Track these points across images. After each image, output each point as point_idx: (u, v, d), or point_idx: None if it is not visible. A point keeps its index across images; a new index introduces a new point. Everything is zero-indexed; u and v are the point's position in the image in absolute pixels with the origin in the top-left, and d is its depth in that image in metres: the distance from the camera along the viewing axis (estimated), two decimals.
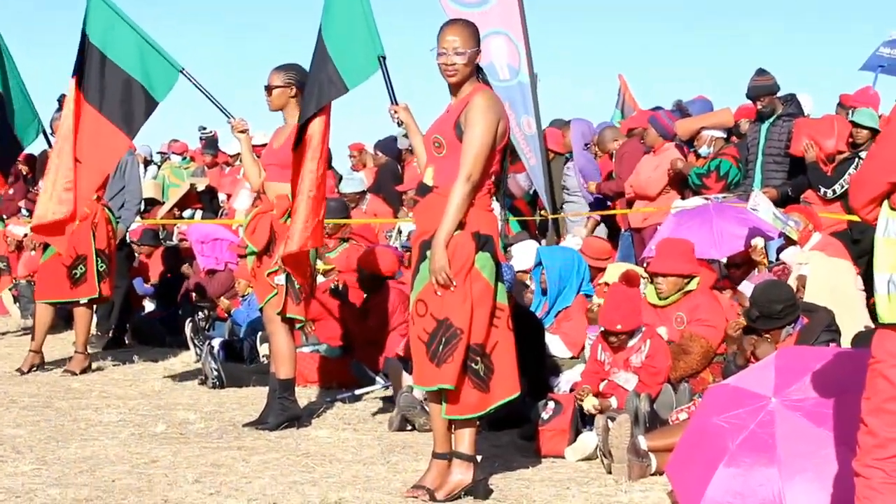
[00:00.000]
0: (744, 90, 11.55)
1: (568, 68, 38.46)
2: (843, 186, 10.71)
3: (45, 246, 11.57)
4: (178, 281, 14.83)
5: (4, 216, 17.05)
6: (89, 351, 11.72)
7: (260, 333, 11.60)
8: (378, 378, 10.37)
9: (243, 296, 13.44)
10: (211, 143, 21.09)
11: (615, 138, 12.77)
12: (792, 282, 8.58)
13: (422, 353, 6.66)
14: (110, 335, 13.51)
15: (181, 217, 18.84)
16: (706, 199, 11.33)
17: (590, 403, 8.15)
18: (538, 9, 12.46)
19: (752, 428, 6.25)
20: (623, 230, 12.68)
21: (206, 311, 13.42)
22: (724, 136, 11.72)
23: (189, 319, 12.40)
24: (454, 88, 6.76)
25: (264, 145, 20.43)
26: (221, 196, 19.64)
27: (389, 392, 9.89)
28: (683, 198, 11.67)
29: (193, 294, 14.05)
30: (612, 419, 7.74)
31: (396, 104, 7.47)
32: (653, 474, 7.26)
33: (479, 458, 6.91)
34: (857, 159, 10.82)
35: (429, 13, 12.08)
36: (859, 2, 44.50)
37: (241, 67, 43.36)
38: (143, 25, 9.97)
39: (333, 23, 8.17)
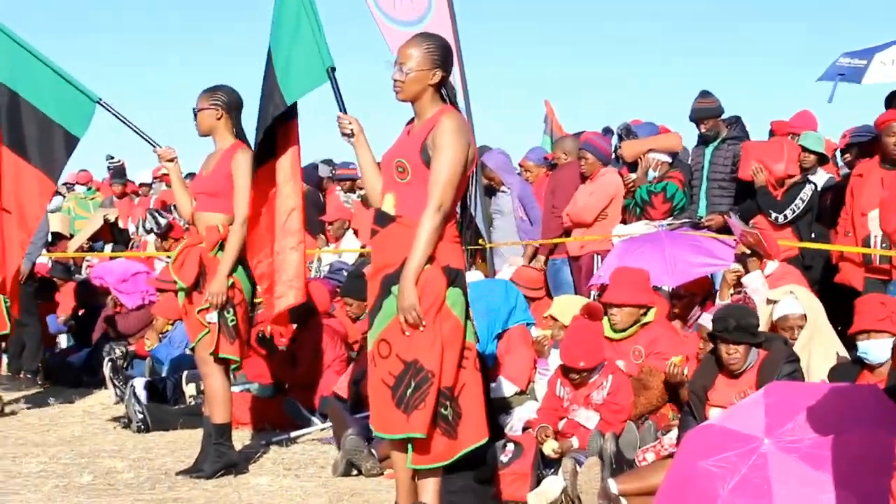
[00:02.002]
0: (681, 114, 11.12)
1: (495, 95, 37.83)
2: (794, 211, 10.31)
3: None
4: (91, 317, 14.11)
5: None
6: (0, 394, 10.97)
7: (186, 372, 10.97)
8: (314, 418, 9.78)
9: (162, 332, 12.79)
10: (119, 172, 20.32)
11: (568, 152, 12.13)
12: (763, 317, 8.10)
13: (386, 398, 6.07)
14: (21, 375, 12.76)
15: (91, 249, 18.08)
16: (649, 224, 10.89)
17: (550, 448, 7.65)
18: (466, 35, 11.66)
19: (744, 472, 5.75)
20: (548, 257, 12.10)
21: (123, 349, 12.70)
22: (670, 160, 11.26)
23: (108, 358, 11.72)
24: (416, 108, 6.21)
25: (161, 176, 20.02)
26: (131, 227, 18.91)
27: (327, 434, 9.32)
28: (625, 223, 11.19)
29: (109, 331, 13.32)
30: (579, 462, 7.28)
31: (346, 114, 6.80)
32: None
33: None
34: (807, 183, 10.45)
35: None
36: (799, 29, 44.53)
37: (164, 94, 42.09)
38: (53, 57, 9.28)
39: (281, 35, 7.63)
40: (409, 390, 5.99)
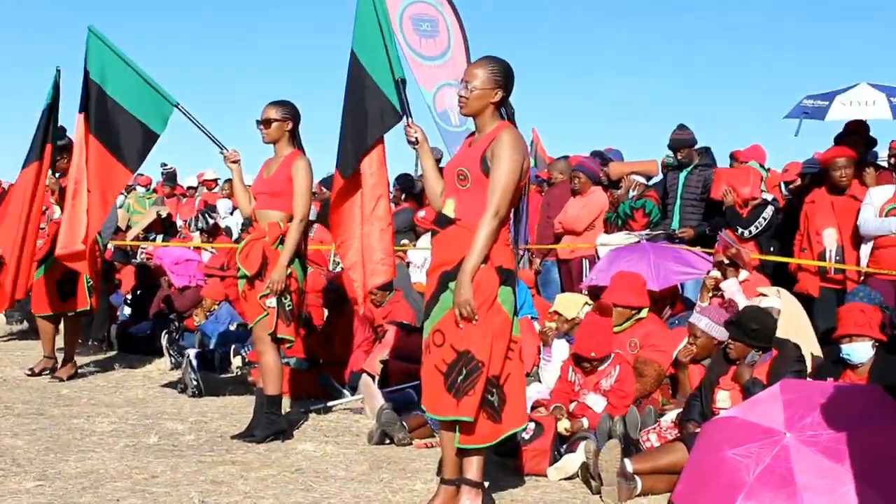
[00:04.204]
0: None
1: None
2: (757, 228, 9.56)
3: (39, 263, 9.93)
4: (147, 295, 13.17)
5: None
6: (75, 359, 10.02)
7: (233, 346, 10.10)
8: (345, 390, 8.90)
9: (209, 311, 11.89)
10: (170, 177, 19.48)
11: (562, 171, 11.31)
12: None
13: (438, 383, 5.23)
14: (89, 343, 11.80)
15: (146, 239, 17.13)
16: (629, 234, 10.09)
17: (562, 426, 6.83)
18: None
19: (768, 462, 4.99)
20: (541, 260, 11.28)
21: (176, 323, 11.80)
22: (646, 182, 10.47)
23: (165, 331, 10.82)
24: (477, 123, 5.38)
25: (214, 180, 19.17)
26: (179, 222, 18.00)
27: (357, 404, 8.45)
28: (607, 233, 10.38)
29: (165, 307, 12.41)
30: (585, 438, 6.49)
31: (412, 123, 5.99)
32: (637, 495, 5.94)
33: (486, 484, 5.51)
34: (768, 205, 9.70)
35: None
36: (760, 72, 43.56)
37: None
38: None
39: (367, 50, 6.75)
40: (461, 377, 5.17)
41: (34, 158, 9.51)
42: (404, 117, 6.22)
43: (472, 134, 5.46)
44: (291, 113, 7.29)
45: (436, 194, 5.56)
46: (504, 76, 5.31)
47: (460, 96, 5.34)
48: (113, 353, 11.64)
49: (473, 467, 5.37)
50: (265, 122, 7.24)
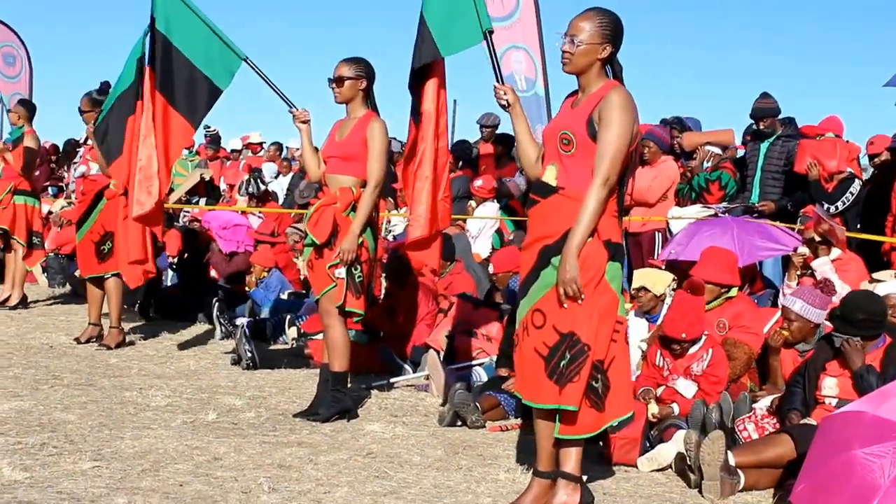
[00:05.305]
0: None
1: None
2: (844, 203, 9.03)
3: (79, 225, 9.54)
4: (193, 259, 12.73)
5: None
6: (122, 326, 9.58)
7: (288, 316, 9.65)
8: (406, 366, 8.44)
9: (259, 279, 11.47)
10: (214, 139, 19.06)
11: None
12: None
13: (538, 368, 4.74)
14: (136, 308, 11.36)
15: (188, 202, 16.72)
16: (704, 207, 9.56)
17: (650, 411, 6.35)
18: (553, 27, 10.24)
19: None
20: None
21: (220, 292, 11.33)
22: (721, 152, 9.92)
23: (215, 299, 10.34)
24: (581, 82, 4.86)
25: (260, 144, 18.72)
26: (222, 186, 17.59)
27: (421, 381, 7.99)
28: (679, 206, 9.86)
29: (214, 273, 11.97)
30: (679, 427, 6.02)
31: (503, 84, 5.48)
32: (739, 491, 5.47)
33: (584, 478, 5.03)
34: (856, 179, 9.14)
35: None
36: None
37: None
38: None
39: None
40: (564, 362, 4.68)
41: (127, 112, 8.78)
42: (494, 79, 5.69)
43: (573, 94, 4.95)
44: (365, 71, 6.79)
45: (531, 161, 5.06)
46: (613, 30, 4.79)
47: (564, 52, 4.82)
48: (157, 319, 11.20)
49: (572, 459, 4.89)
50: (338, 81, 6.75)
